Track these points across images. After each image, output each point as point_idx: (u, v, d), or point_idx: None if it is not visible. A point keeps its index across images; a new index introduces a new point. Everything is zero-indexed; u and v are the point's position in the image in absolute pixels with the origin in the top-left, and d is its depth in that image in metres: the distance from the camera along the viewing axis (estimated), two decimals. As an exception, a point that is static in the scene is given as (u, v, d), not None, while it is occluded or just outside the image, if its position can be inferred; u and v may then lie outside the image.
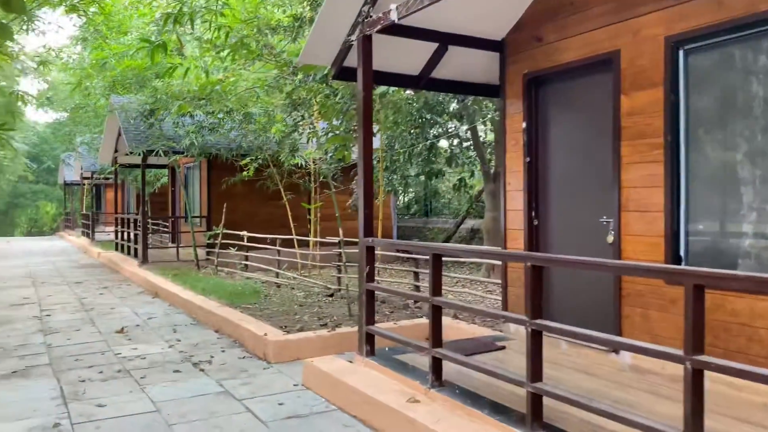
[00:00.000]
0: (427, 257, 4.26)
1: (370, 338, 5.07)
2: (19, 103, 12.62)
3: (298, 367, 5.75)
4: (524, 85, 5.59)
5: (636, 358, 4.62)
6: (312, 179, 14.18)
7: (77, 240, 25.83)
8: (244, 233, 12.70)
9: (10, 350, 6.66)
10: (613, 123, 4.80)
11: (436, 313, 4.25)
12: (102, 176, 25.04)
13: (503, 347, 5.39)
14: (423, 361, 4.82)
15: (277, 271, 11.54)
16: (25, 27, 10.89)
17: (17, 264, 16.86)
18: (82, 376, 5.58)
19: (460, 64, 5.94)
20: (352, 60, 5.39)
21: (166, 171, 20.36)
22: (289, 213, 13.85)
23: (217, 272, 12.83)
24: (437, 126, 10.85)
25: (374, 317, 5.13)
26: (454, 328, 6.69)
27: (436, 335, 4.23)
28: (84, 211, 29.33)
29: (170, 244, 17.79)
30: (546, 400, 3.49)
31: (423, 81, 6.01)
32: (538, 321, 3.39)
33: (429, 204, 19.18)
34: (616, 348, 4.62)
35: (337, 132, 8.95)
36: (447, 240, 15.73)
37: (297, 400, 4.87)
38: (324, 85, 8.08)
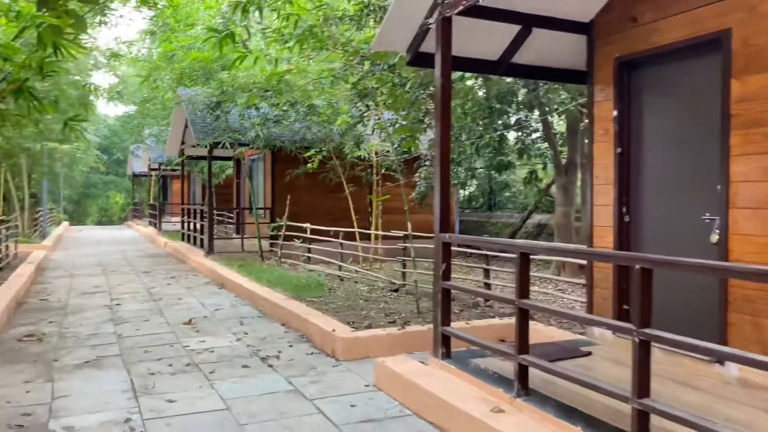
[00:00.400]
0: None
1: (445, 340, 4.79)
2: (92, 96, 12.96)
3: (368, 366, 5.53)
4: (615, 70, 5.15)
5: (743, 370, 4.17)
6: (374, 171, 14.00)
7: (144, 229, 26.60)
8: (307, 225, 12.64)
9: (82, 339, 6.73)
10: (720, 110, 4.33)
11: (522, 317, 3.93)
12: (169, 168, 25.66)
13: (589, 353, 5.00)
14: (503, 366, 4.52)
15: (340, 264, 11.42)
16: (98, 20, 11.10)
17: (89, 252, 17.42)
18: (152, 368, 5.54)
19: (543, 47, 5.56)
20: (429, 45, 5.10)
21: (230, 163, 20.65)
22: (351, 205, 13.72)
23: (280, 264, 12.83)
24: (507, 116, 10.41)
25: (450, 317, 4.84)
26: (530, 329, 6.32)
27: (522, 340, 3.91)
28: (151, 202, 30.21)
29: (234, 235, 18.01)
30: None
31: (503, 66, 5.65)
32: (648, 330, 3.02)
33: (493, 197, 18.68)
34: (720, 359, 4.18)
35: (404, 122, 8.68)
36: (512, 235, 15.25)
37: (369, 402, 4.65)
38: (393, 74, 7.82)
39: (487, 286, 8.07)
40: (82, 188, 42.28)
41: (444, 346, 4.78)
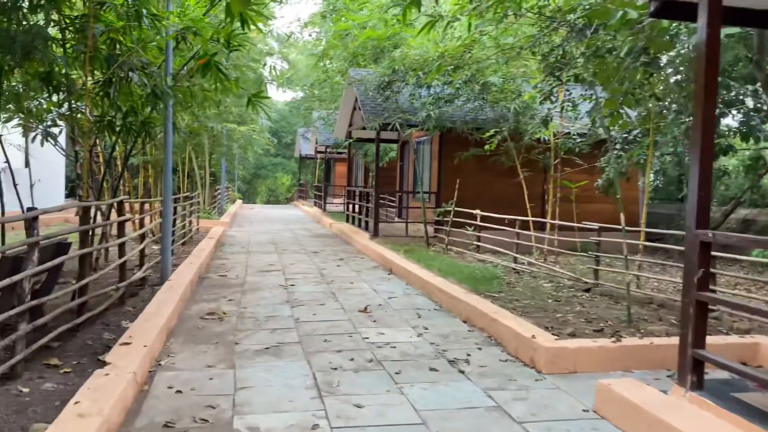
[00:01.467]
0: None
1: (697, 366, 3.75)
2: (269, 76, 13.17)
3: (578, 384, 4.63)
4: None
5: None
6: (552, 155, 12.80)
7: (309, 209, 27.46)
8: (477, 212, 11.85)
9: (261, 321, 6.53)
10: None
11: None
12: (335, 150, 26.13)
13: None
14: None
15: (515, 255, 10.50)
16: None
17: (261, 230, 18.09)
18: (333, 362, 5.08)
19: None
20: (683, -11, 4.01)
21: (394, 146, 20.43)
22: (525, 192, 12.65)
23: (446, 251, 12.20)
24: (728, 91, 8.73)
25: (705, 338, 3.78)
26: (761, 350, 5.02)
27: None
28: (316, 183, 31.16)
29: (396, 219, 17.74)
30: None
31: (780, 16, 4.36)
32: None
33: (684, 186, 16.47)
34: None
35: (607, 97, 7.49)
36: (712, 231, 13.23)
37: (594, 434, 3.77)
38: (601, 39, 6.70)
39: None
40: (254, 169, 45.05)
41: (695, 373, 3.74)
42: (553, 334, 5.44)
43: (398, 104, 13.51)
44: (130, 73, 6.27)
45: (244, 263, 10.90)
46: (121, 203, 7.29)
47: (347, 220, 18.71)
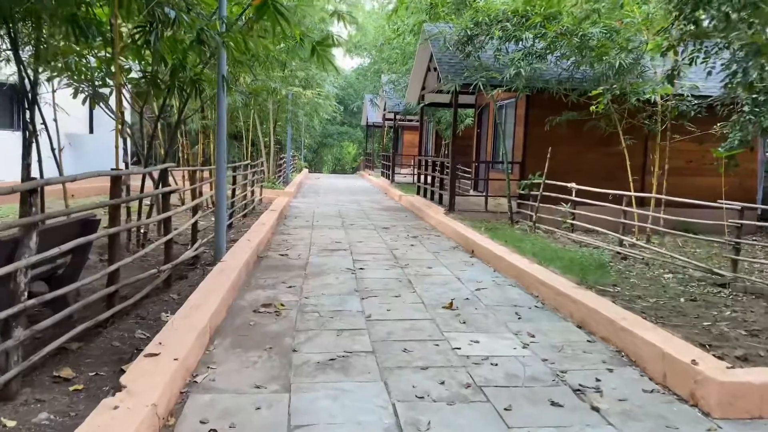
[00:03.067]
0: None
1: None
2: (341, 28, 11.80)
3: (773, 440, 3.22)
4: None
5: None
6: (659, 120, 11.00)
7: (376, 180, 26.28)
8: (573, 185, 10.28)
9: (325, 317, 5.37)
10: None
11: None
12: (404, 117, 24.73)
13: None
14: None
15: (621, 237, 8.97)
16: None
17: (326, 201, 17.06)
18: (418, 386, 3.84)
19: None
20: None
21: (470, 112, 18.85)
22: (628, 163, 10.95)
23: (534, 230, 10.73)
24: None
25: None
26: None
27: None
28: (383, 152, 29.89)
29: (471, 192, 16.30)
30: None
31: None
32: None
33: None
34: None
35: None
36: None
37: None
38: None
39: None
40: (320, 137, 44.20)
41: None
42: (715, 355, 4.00)
43: (481, 62, 11.95)
44: (168, 11, 5.11)
45: (308, 240, 9.82)
46: (165, 171, 6.23)
47: (418, 192, 17.41)
